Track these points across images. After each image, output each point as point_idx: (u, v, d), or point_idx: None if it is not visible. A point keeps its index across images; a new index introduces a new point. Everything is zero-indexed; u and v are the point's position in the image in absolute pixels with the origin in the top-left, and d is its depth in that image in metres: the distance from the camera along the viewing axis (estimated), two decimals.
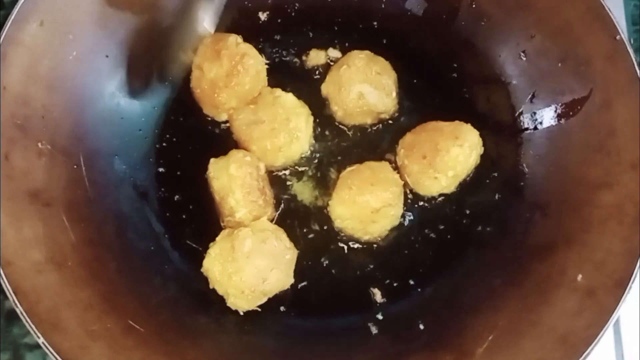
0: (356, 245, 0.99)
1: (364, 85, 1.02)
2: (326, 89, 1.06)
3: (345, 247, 0.99)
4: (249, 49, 1.02)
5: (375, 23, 1.11)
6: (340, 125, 1.06)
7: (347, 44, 1.10)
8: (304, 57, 1.10)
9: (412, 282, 0.97)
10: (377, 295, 0.96)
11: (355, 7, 1.07)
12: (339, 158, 1.04)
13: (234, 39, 1.01)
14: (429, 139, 0.98)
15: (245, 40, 1.03)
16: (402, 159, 1.00)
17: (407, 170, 1.00)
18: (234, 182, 0.94)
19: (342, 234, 0.99)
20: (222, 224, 0.98)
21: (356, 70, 1.02)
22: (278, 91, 1.02)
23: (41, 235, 0.84)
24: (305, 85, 1.08)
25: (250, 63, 1.00)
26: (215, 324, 0.93)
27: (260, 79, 1.03)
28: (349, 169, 0.99)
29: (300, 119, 1.00)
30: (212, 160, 0.97)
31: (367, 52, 1.05)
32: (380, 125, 1.06)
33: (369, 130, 1.06)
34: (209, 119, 1.05)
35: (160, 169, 1.03)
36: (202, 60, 1.01)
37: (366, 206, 0.95)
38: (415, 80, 1.08)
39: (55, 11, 0.90)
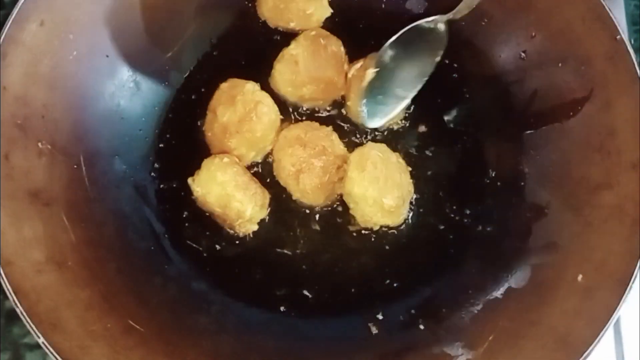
0: (357, 246, 0.99)
1: None
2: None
3: (346, 247, 0.99)
4: (265, 97, 1.01)
5: (375, 22, 1.12)
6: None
7: (348, 43, 1.09)
8: None
9: (412, 282, 0.97)
10: (377, 295, 0.96)
11: (356, 6, 1.07)
12: None
13: (252, 86, 1.01)
14: None
15: (247, 39, 1.03)
16: None
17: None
18: (229, 187, 0.94)
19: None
20: (230, 231, 0.98)
21: None
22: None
23: (41, 235, 0.84)
24: None
25: (264, 111, 0.99)
26: (216, 324, 0.93)
27: (273, 128, 1.02)
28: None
29: None
30: (189, 180, 0.97)
31: None
32: None
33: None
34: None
35: (161, 169, 1.03)
36: (217, 104, 1.01)
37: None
38: None
39: (56, 11, 0.90)
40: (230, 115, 0.99)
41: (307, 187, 0.98)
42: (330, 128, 1.01)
